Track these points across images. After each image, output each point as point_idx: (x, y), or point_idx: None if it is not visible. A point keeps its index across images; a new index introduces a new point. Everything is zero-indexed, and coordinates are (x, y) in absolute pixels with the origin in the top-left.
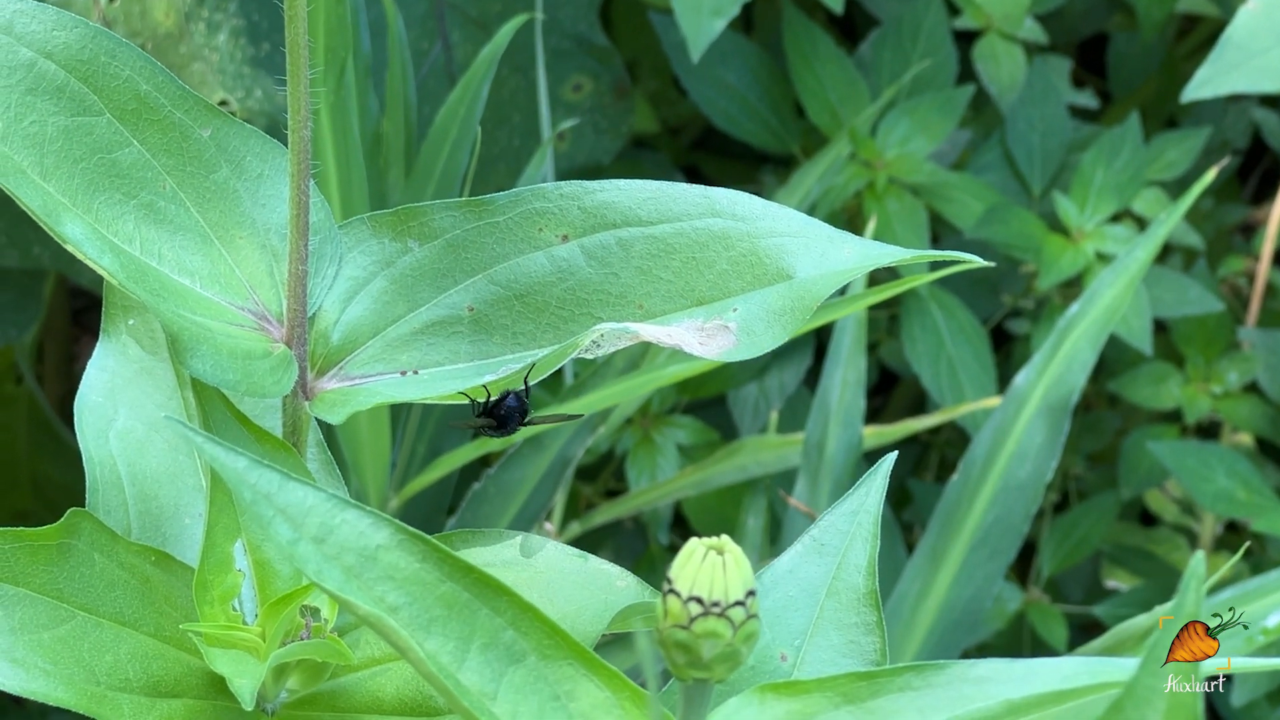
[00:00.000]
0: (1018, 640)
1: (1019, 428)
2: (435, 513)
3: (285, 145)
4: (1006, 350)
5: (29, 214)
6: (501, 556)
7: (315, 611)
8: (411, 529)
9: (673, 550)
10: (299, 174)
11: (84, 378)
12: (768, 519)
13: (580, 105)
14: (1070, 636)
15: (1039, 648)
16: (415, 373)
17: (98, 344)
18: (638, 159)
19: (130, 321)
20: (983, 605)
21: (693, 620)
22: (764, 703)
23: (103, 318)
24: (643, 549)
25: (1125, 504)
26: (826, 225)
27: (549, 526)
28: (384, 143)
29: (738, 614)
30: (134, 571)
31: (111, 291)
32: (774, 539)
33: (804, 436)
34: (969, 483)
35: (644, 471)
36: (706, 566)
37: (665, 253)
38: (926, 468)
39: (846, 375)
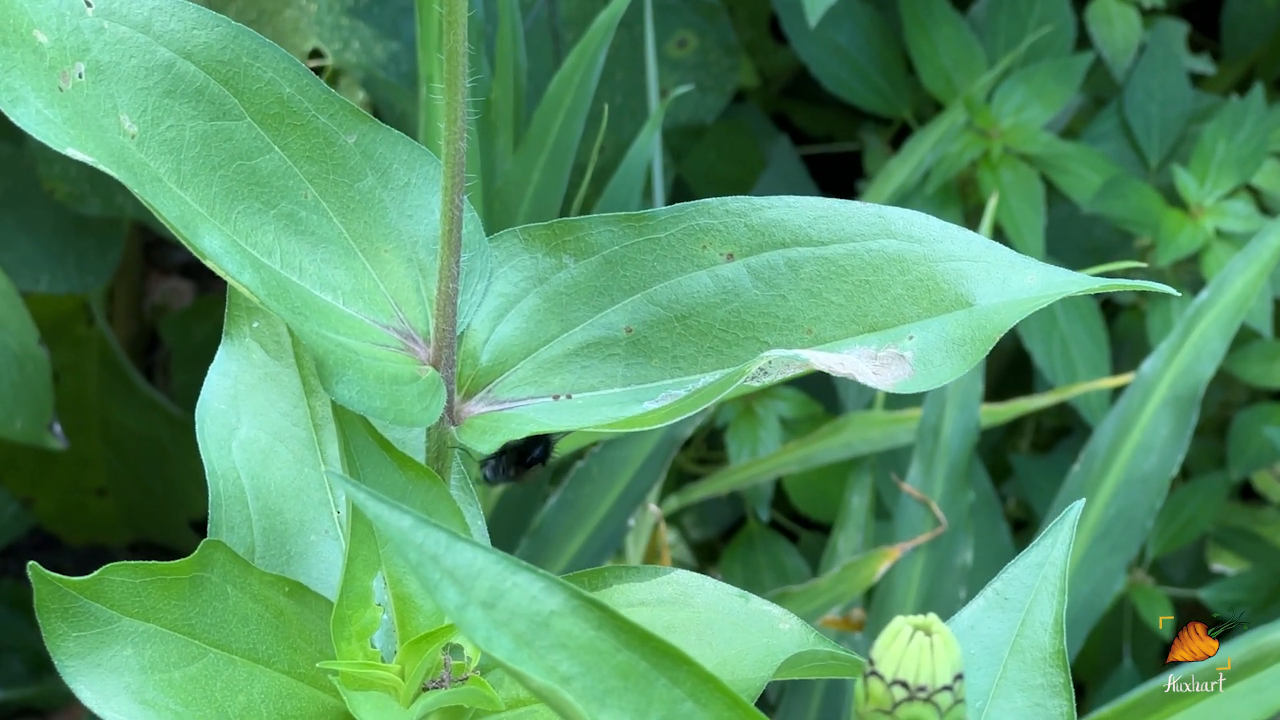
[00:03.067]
0: (1118, 623)
1: (1144, 419)
2: (531, 492)
3: (417, 139)
4: (1115, 322)
5: (166, 225)
6: (658, 595)
7: (457, 649)
8: (586, 594)
9: (774, 528)
10: (452, 188)
11: (206, 383)
12: (872, 499)
13: (684, 62)
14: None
15: (1140, 630)
16: (569, 397)
17: (220, 347)
18: (736, 114)
19: (255, 324)
20: (1102, 601)
21: (897, 705)
22: None
23: (226, 320)
24: (726, 518)
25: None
26: (1007, 250)
27: (654, 508)
28: (492, 109)
29: (944, 699)
30: (267, 604)
31: (235, 293)
32: (878, 520)
33: (919, 419)
34: (1090, 474)
35: (745, 445)
36: (913, 648)
37: (837, 275)
38: (1022, 434)
39: None
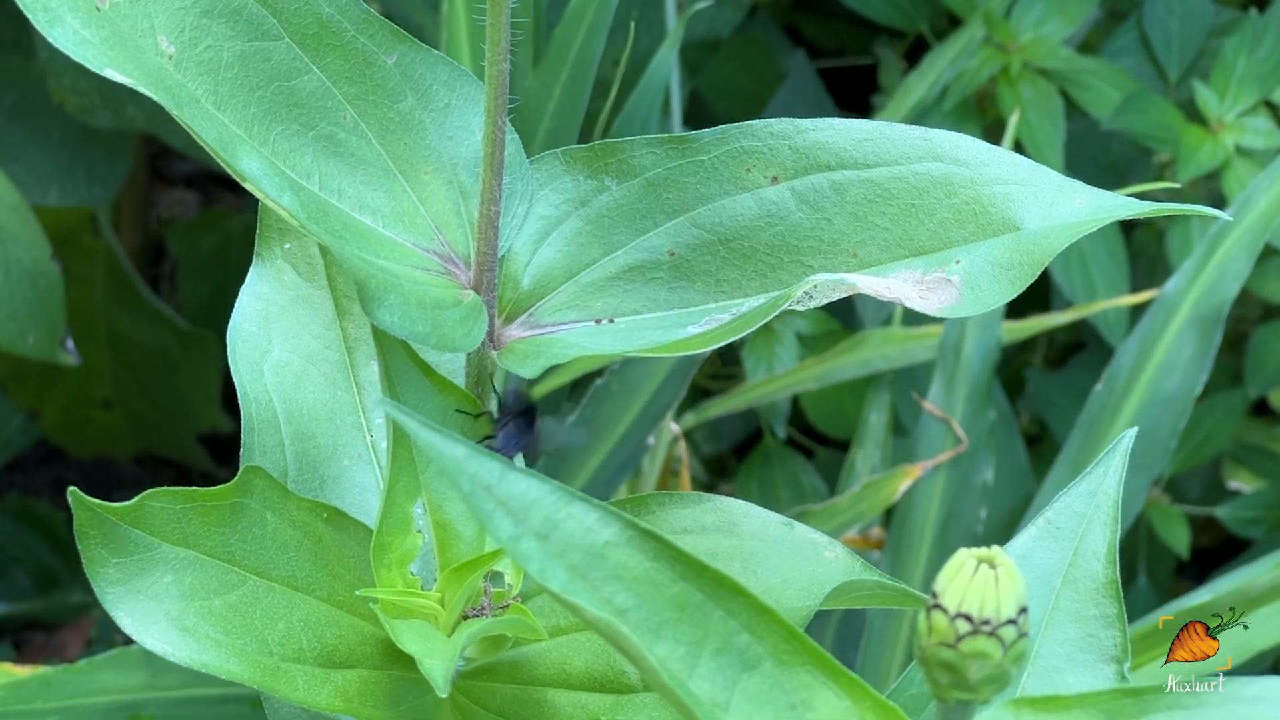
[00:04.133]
0: (1134, 540)
1: (1167, 338)
2: (550, 410)
3: (460, 64)
4: (1131, 239)
5: (204, 146)
6: (702, 522)
7: (497, 576)
8: (642, 525)
9: (791, 445)
10: (495, 110)
11: (237, 305)
12: (890, 416)
13: None
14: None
15: (1155, 548)
16: (611, 321)
17: (251, 269)
18: (749, 28)
19: (286, 245)
20: (1124, 521)
21: (960, 639)
22: (1019, 717)
23: (257, 241)
24: (738, 432)
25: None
26: (1054, 173)
27: (674, 426)
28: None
29: (1009, 633)
30: (305, 530)
31: (266, 213)
32: (896, 437)
33: (938, 336)
34: (1113, 394)
35: (761, 361)
36: (977, 581)
37: (882, 198)
38: (1035, 349)
39: None
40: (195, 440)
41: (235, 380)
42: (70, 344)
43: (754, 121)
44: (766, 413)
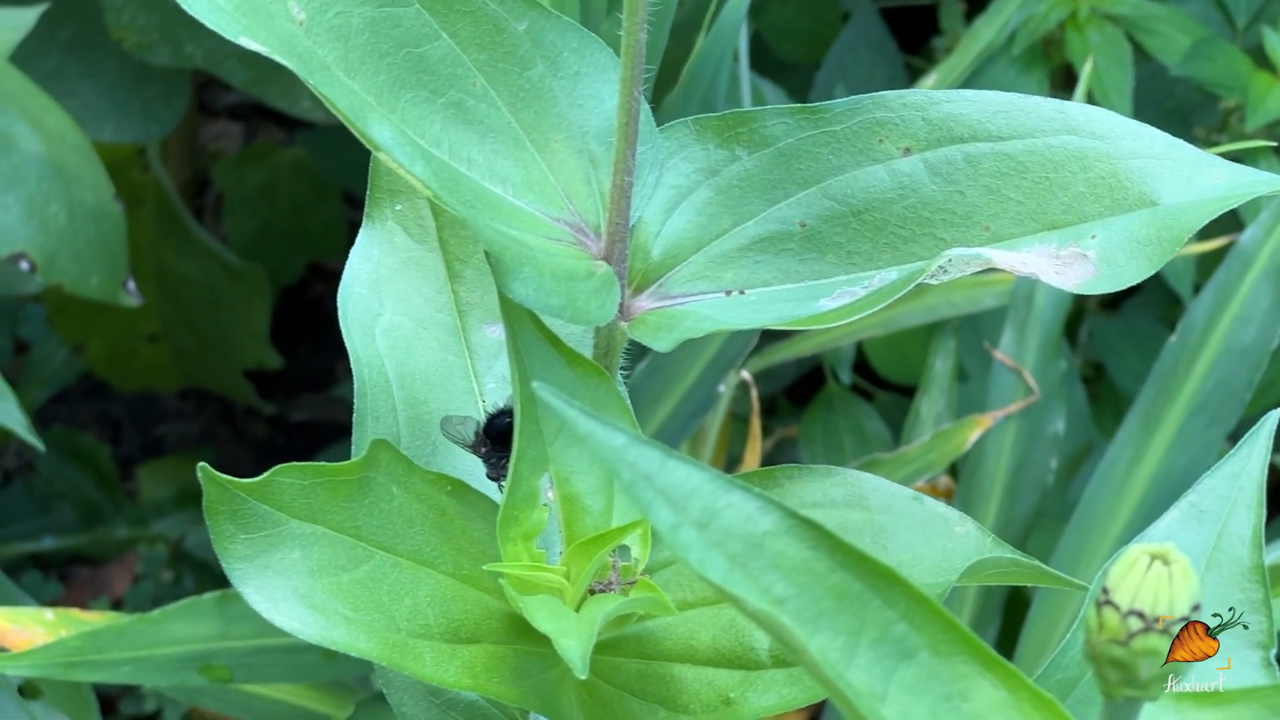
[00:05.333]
0: None
1: (1243, 290)
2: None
3: (598, 37)
4: None
5: (336, 114)
6: (830, 496)
7: (624, 550)
8: (801, 514)
9: (856, 392)
10: (631, 79)
11: (347, 267)
12: (955, 363)
13: None
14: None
15: None
16: (741, 293)
17: (361, 231)
18: None
19: (397, 207)
20: (1197, 474)
21: (1132, 636)
22: (1181, 712)
23: (367, 202)
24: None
25: None
26: (1190, 147)
27: (745, 374)
28: None
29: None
30: (430, 504)
31: (377, 174)
32: (959, 384)
33: (1005, 283)
34: (1188, 346)
35: None
36: (1150, 578)
37: (1016, 171)
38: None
39: None
40: (241, 375)
41: (347, 343)
42: (132, 285)
43: (887, 92)
44: (830, 358)
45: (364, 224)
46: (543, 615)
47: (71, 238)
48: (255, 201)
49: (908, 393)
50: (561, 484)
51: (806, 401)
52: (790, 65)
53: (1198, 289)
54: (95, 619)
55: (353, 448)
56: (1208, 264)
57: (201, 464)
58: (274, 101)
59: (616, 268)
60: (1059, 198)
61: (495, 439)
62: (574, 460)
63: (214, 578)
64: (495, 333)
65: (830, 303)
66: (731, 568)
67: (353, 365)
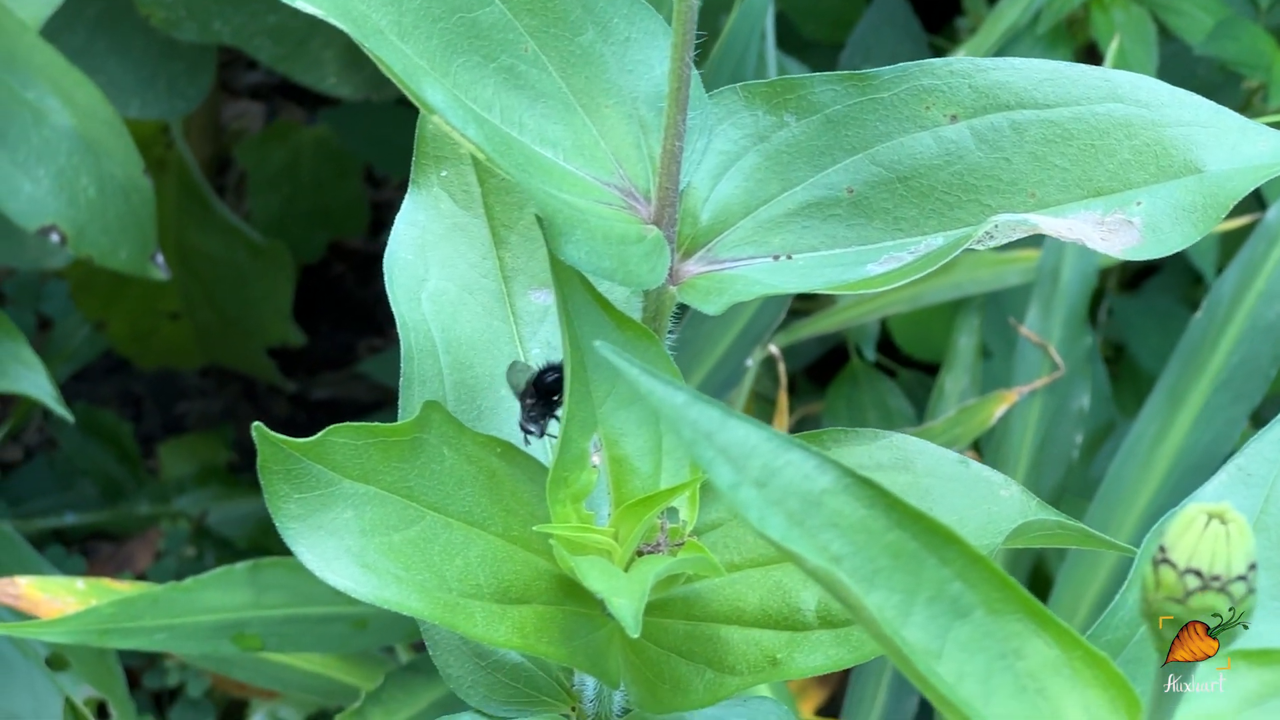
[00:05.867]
0: None
1: (1269, 266)
2: None
3: (647, 3)
4: None
5: (391, 77)
6: (876, 459)
7: (673, 512)
8: (858, 473)
9: (879, 369)
10: (683, 44)
11: (393, 233)
12: (979, 340)
13: None
14: None
15: None
16: (789, 258)
17: (406, 197)
18: None
19: (443, 173)
20: (1223, 450)
21: (1189, 594)
22: (1233, 670)
23: (413, 168)
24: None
25: None
26: (1236, 115)
27: (773, 349)
28: None
29: (1238, 589)
30: (480, 466)
31: (423, 140)
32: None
33: (1029, 260)
34: (1214, 322)
35: None
36: (1208, 536)
37: (1062, 138)
38: (1110, 272)
39: None
40: (263, 352)
41: (393, 308)
42: (160, 258)
43: (934, 60)
44: (855, 335)
45: (409, 190)
46: (594, 575)
47: (101, 211)
48: (278, 180)
49: (930, 370)
50: (610, 446)
51: (826, 381)
52: (814, 45)
53: (1219, 269)
54: (126, 588)
55: (400, 411)
56: (1229, 243)
57: (256, 424)
58: (300, 77)
59: (666, 232)
60: (1104, 165)
61: (539, 392)
62: (623, 422)
63: (235, 554)
64: (540, 298)
65: (877, 268)
66: (790, 525)
67: (399, 330)
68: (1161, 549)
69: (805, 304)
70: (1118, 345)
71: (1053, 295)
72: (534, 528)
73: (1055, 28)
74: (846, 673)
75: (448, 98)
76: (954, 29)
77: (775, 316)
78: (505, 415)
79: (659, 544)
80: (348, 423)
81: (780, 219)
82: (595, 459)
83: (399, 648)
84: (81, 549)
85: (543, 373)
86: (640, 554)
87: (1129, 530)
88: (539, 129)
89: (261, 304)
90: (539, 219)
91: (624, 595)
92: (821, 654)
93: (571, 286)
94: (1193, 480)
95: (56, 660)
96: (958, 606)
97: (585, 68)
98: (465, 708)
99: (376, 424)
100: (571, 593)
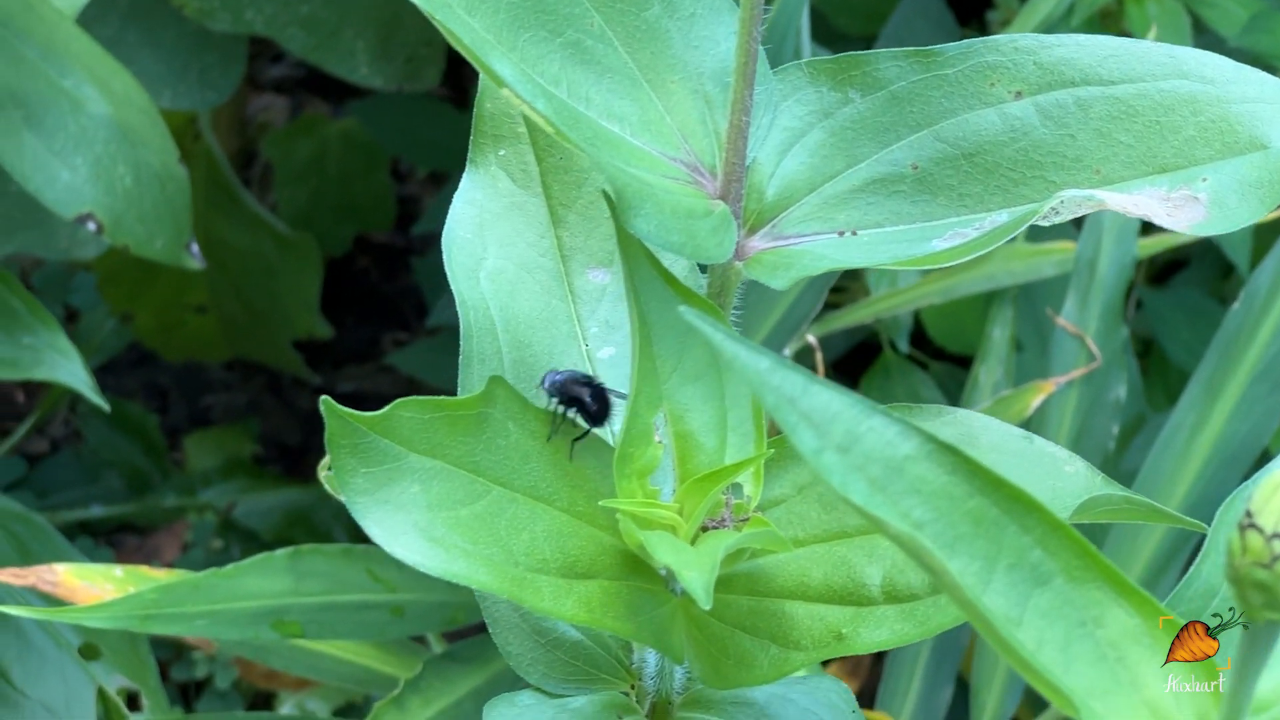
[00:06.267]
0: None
1: None
2: None
3: None
4: None
5: (460, 50)
6: (942, 435)
7: (737, 488)
8: (940, 439)
9: (912, 360)
10: (750, 20)
11: (450, 211)
12: (1013, 332)
13: None
14: None
15: None
16: (854, 234)
17: (464, 175)
18: None
19: (501, 152)
20: (1260, 440)
21: (1276, 559)
22: None
23: (470, 147)
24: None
25: None
26: None
27: (811, 338)
28: None
29: None
30: (544, 441)
31: (481, 120)
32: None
33: (1062, 251)
34: (1251, 313)
35: (884, 275)
36: None
37: (1126, 115)
38: (1138, 267)
39: None
40: (290, 345)
41: (452, 286)
42: (195, 248)
43: (999, 36)
44: (888, 327)
45: (467, 169)
46: (663, 548)
47: (138, 199)
48: (304, 173)
49: (961, 363)
50: (676, 421)
51: (855, 373)
52: (846, 37)
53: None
54: (163, 576)
55: (459, 388)
56: (1263, 236)
57: (324, 397)
58: (332, 68)
59: (732, 207)
60: (1169, 141)
61: (565, 400)
62: (688, 398)
63: (261, 546)
64: (598, 277)
65: (943, 243)
66: (872, 491)
67: (459, 308)
68: (1248, 514)
69: (836, 296)
70: (1145, 340)
71: (1090, 286)
72: (601, 502)
73: (1089, 20)
74: (878, 665)
75: (516, 71)
76: (985, 22)
77: (813, 307)
78: None
79: (723, 519)
80: (414, 397)
81: (845, 195)
82: (658, 436)
83: (431, 637)
84: (108, 541)
85: (571, 382)
86: (705, 530)
87: (1159, 536)
88: (605, 104)
89: (288, 296)
90: (606, 194)
91: (694, 568)
92: (887, 629)
93: (638, 262)
94: (1230, 471)
95: (88, 650)
96: (1038, 574)
97: (651, 43)
98: (521, 686)
99: (443, 398)
100: (635, 568)
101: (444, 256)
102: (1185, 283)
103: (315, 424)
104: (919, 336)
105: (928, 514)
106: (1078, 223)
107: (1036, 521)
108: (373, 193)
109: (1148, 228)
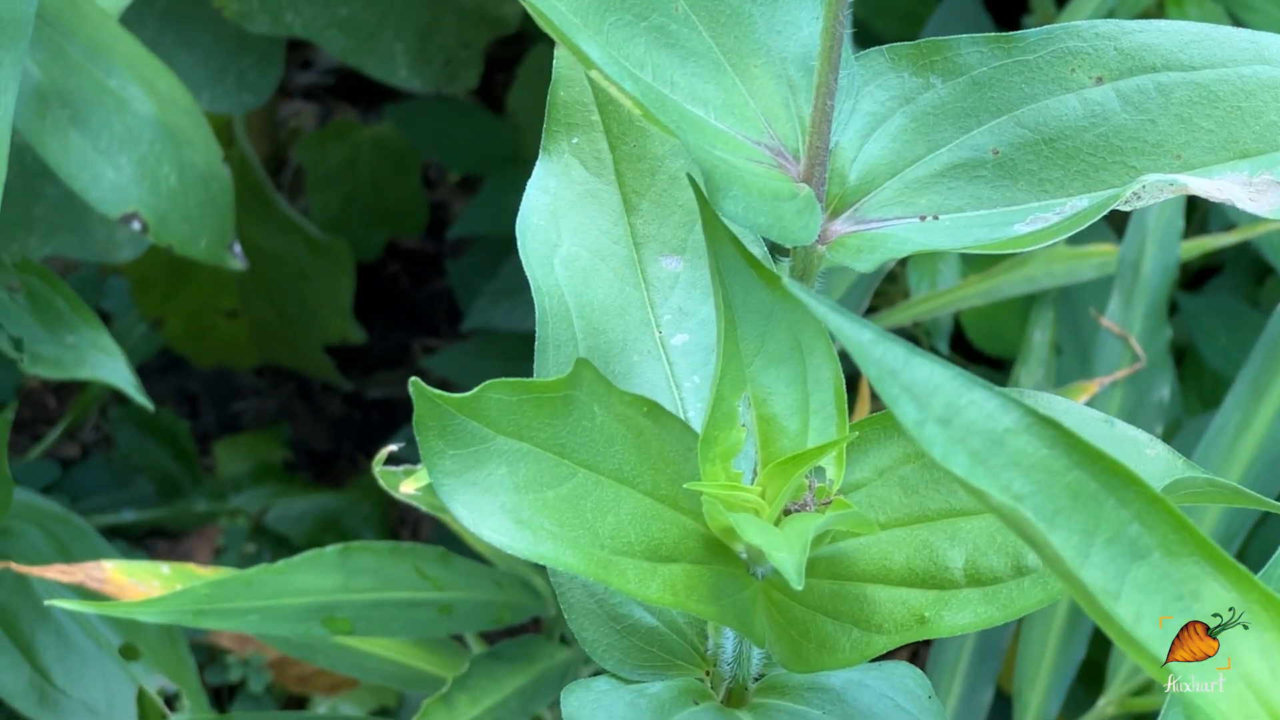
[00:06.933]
0: None
1: None
2: None
3: None
4: None
5: (549, 31)
6: None
7: (819, 472)
8: (1040, 412)
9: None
10: (835, 3)
11: (524, 199)
12: (1053, 334)
13: None
14: None
15: None
16: (935, 218)
17: (537, 163)
18: None
19: (574, 140)
20: None
21: None
22: None
23: (544, 135)
24: None
25: None
26: None
27: None
28: None
29: None
30: (629, 424)
31: (554, 108)
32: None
33: (1103, 254)
34: None
35: (924, 277)
36: None
37: (1208, 100)
38: None
39: None
40: (322, 350)
41: (527, 273)
42: (238, 249)
43: (1080, 22)
44: (929, 329)
45: (540, 157)
46: (751, 530)
47: (182, 199)
48: (336, 178)
49: (998, 365)
50: (759, 405)
51: None
52: (885, 40)
53: None
54: (209, 574)
55: (535, 374)
56: None
57: (413, 379)
58: (371, 70)
59: (815, 191)
60: (1251, 126)
61: None
62: (772, 381)
63: (292, 550)
64: (671, 265)
65: (1025, 227)
66: (973, 464)
67: (534, 294)
68: None
69: (876, 299)
70: (1179, 346)
71: (1134, 287)
72: (685, 485)
73: None
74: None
75: (601, 54)
76: (1020, 26)
77: (859, 306)
78: (638, 380)
79: (806, 503)
80: (502, 379)
81: (926, 180)
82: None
83: (470, 638)
84: (139, 545)
85: None
86: (787, 513)
87: (1213, 520)
88: (690, 88)
89: (321, 300)
90: (690, 178)
91: (784, 549)
92: (970, 611)
93: (723, 245)
94: (1276, 471)
95: (129, 650)
96: (1136, 548)
97: (734, 27)
98: (570, 681)
99: (530, 380)
100: (718, 552)
101: (518, 243)
102: (1219, 289)
103: (345, 430)
104: (959, 339)
105: (1027, 487)
106: (1118, 226)
107: (1134, 495)
108: (404, 198)
109: (1187, 228)
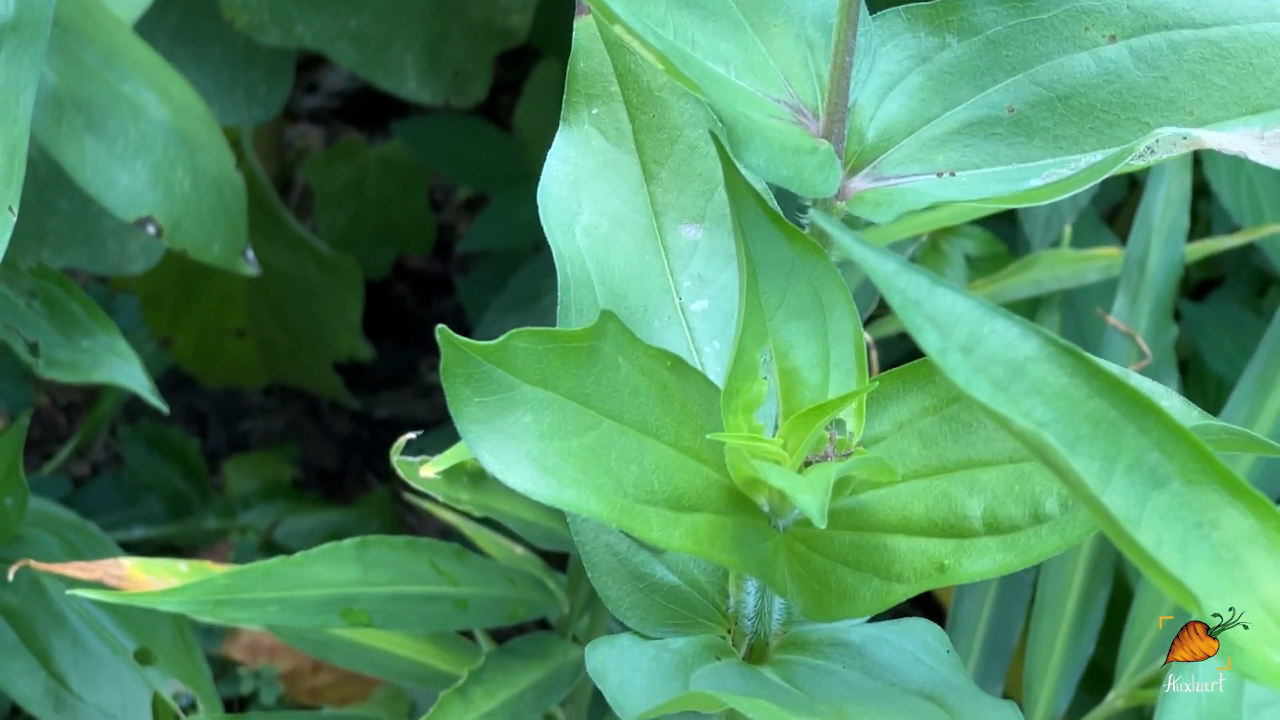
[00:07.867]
0: None
1: None
2: None
3: None
4: None
5: None
6: None
7: (839, 425)
8: (1060, 340)
9: None
10: None
11: (545, 169)
12: (1060, 335)
13: None
14: None
15: None
16: (952, 174)
17: (558, 133)
18: None
19: (594, 111)
20: None
21: None
22: None
23: (564, 106)
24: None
25: None
26: None
27: (867, 337)
28: None
29: None
30: (653, 377)
31: (574, 79)
32: None
33: (1109, 257)
34: None
35: None
36: None
37: (1219, 57)
38: None
39: (1170, 191)
40: (331, 368)
41: (550, 241)
42: (251, 254)
43: None
44: None
45: (560, 128)
46: (775, 474)
47: (196, 204)
48: (343, 197)
49: None
50: (781, 358)
51: None
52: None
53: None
54: (223, 569)
55: None
56: None
57: (440, 326)
58: (381, 82)
59: (835, 147)
60: (1262, 82)
61: None
62: (793, 334)
63: None
64: (690, 233)
65: (1040, 181)
66: (995, 391)
67: (556, 261)
68: None
69: (883, 305)
70: (1183, 356)
71: (1140, 285)
72: (708, 436)
73: None
74: None
75: (624, 10)
76: None
77: (867, 307)
78: (659, 345)
79: (826, 454)
80: (528, 327)
81: (943, 137)
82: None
83: (479, 635)
84: None
85: None
86: (808, 464)
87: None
88: (710, 46)
89: (330, 317)
90: (713, 134)
91: (807, 491)
92: (989, 559)
93: (745, 200)
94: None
95: (143, 655)
96: (1155, 476)
97: None
98: (586, 676)
99: (556, 330)
100: (739, 504)
101: (540, 212)
102: (1224, 298)
103: (353, 448)
104: None
105: (1048, 414)
106: (1122, 233)
107: (1154, 424)
108: (411, 217)
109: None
